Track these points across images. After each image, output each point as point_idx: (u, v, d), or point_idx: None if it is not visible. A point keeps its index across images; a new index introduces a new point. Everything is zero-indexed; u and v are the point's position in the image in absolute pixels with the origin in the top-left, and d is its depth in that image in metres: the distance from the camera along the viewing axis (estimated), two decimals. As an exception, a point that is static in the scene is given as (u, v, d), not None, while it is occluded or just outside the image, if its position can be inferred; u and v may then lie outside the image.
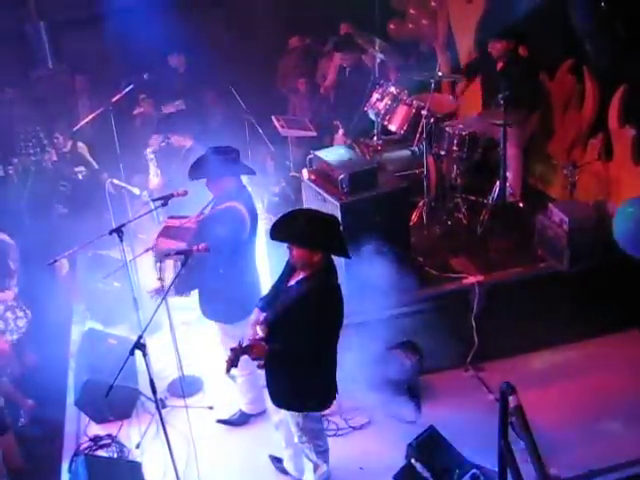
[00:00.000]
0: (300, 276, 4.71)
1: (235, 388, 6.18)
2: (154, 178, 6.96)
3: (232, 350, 4.59)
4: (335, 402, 5.09)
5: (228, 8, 11.34)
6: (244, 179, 5.92)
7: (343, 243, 4.70)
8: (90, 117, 8.29)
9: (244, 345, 4.58)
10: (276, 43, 11.34)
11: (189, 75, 10.17)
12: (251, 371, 5.61)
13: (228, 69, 10.09)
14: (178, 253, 5.45)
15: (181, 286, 5.51)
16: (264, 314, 4.90)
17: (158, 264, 5.54)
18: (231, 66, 10.34)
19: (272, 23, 11.00)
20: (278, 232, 4.63)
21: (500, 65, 7.72)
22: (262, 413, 6.12)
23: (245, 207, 5.47)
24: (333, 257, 4.78)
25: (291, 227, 4.59)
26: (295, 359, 4.63)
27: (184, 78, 10.14)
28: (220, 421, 6.27)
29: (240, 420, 6.21)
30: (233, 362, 4.57)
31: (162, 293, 5.42)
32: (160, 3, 9.96)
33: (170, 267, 5.51)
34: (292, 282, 4.77)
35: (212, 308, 5.81)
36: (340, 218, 6.13)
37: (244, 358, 4.56)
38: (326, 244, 4.62)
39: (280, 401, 4.94)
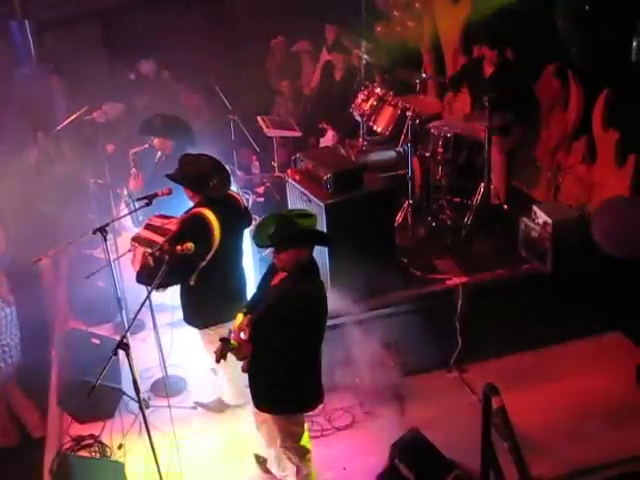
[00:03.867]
0: (283, 275, 4.72)
1: (217, 380, 6.18)
2: (134, 180, 6.95)
3: (222, 340, 4.61)
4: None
5: (212, 8, 11.31)
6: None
7: (322, 233, 4.74)
8: (74, 116, 8.26)
9: (231, 344, 4.61)
10: (262, 44, 11.34)
11: (162, 80, 10.04)
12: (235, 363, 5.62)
13: (213, 70, 10.04)
14: (160, 251, 5.45)
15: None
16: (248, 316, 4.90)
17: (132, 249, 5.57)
18: (216, 66, 10.30)
19: (258, 24, 10.98)
20: (260, 239, 4.67)
21: (490, 70, 7.73)
22: (241, 406, 6.12)
23: (216, 212, 5.42)
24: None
25: (269, 231, 4.60)
26: (279, 359, 4.63)
27: (156, 84, 9.96)
28: (197, 403, 6.31)
29: (217, 407, 6.25)
30: (222, 352, 4.60)
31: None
32: (145, 2, 9.95)
33: (139, 255, 5.52)
34: (275, 281, 4.77)
35: (187, 313, 5.87)
36: (325, 219, 6.15)
37: None
38: (309, 237, 4.64)
39: (263, 404, 4.94)
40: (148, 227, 5.69)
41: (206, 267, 5.44)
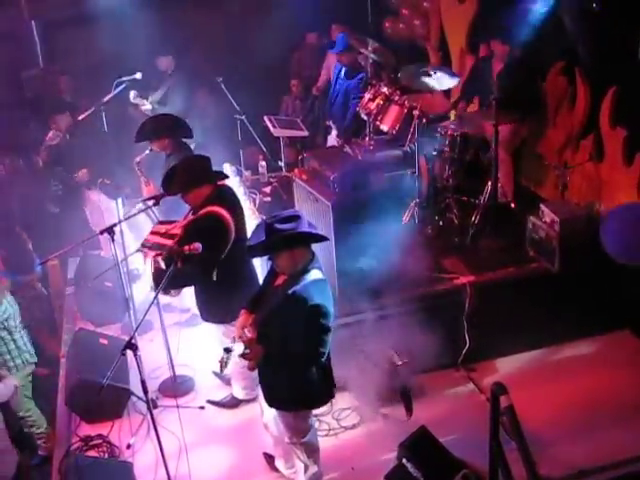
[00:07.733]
0: (285, 276, 4.72)
1: (228, 375, 6.21)
2: (146, 186, 6.97)
3: (225, 350, 4.60)
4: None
5: (219, 8, 11.30)
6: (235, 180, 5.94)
7: (312, 231, 4.73)
8: (81, 117, 8.28)
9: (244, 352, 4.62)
10: (268, 43, 11.31)
11: (178, 76, 10.09)
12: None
13: (219, 69, 10.05)
14: (170, 252, 5.45)
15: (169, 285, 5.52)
16: (252, 315, 4.89)
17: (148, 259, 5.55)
18: (222, 66, 10.30)
19: (265, 23, 10.96)
20: (253, 250, 4.73)
21: (499, 67, 7.71)
22: (253, 400, 6.12)
23: (227, 208, 5.49)
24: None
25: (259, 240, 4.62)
26: (288, 359, 4.64)
27: (172, 80, 10.03)
28: (210, 402, 6.33)
29: (230, 403, 6.27)
30: (226, 362, 4.60)
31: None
32: (151, 3, 9.96)
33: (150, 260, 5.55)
34: (278, 282, 4.77)
35: (208, 311, 5.87)
36: (332, 218, 6.15)
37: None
38: (298, 238, 4.62)
39: (273, 402, 4.95)
40: (154, 233, 5.69)
41: (230, 260, 5.48)
